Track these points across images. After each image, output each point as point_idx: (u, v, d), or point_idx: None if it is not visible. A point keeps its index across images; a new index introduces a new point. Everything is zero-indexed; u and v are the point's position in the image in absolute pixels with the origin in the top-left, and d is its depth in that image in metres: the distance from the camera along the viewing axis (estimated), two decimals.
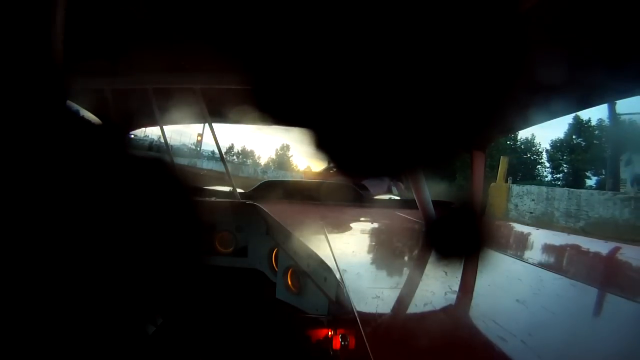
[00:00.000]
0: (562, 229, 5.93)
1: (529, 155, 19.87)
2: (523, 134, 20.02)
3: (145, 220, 0.33)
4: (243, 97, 1.20)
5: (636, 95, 0.93)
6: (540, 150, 20.01)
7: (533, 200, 7.18)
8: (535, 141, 20.01)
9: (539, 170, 19.88)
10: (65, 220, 0.29)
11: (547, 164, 19.59)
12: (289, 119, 0.41)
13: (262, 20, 0.37)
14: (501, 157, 7.78)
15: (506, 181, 7.79)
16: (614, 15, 0.65)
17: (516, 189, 7.60)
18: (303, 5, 0.33)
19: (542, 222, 6.56)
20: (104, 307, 0.30)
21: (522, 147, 19.82)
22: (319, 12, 0.33)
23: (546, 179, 19.00)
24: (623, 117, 11.61)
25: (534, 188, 7.51)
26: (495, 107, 0.38)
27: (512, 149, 18.63)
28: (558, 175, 19.03)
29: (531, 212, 7.11)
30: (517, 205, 7.32)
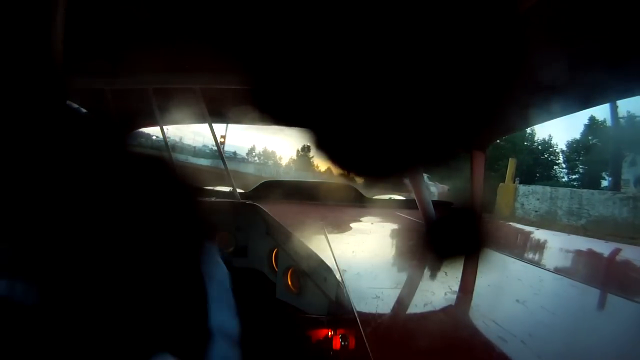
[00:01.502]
0: (565, 227, 6.08)
1: (546, 155, 19.55)
2: (540, 135, 19.65)
3: (144, 220, 0.33)
4: (244, 97, 1.19)
5: (637, 95, 0.92)
6: (557, 150, 19.70)
7: (538, 199, 7.34)
8: (552, 142, 19.73)
9: (555, 171, 19.61)
10: (65, 219, 0.29)
11: (564, 165, 19.37)
12: (288, 119, 0.41)
13: (262, 20, 0.37)
14: (510, 158, 7.99)
15: (514, 182, 7.95)
16: (614, 15, 0.65)
17: (522, 188, 7.81)
18: (305, 4, 0.33)
19: (546, 219, 6.69)
20: (103, 303, 0.30)
21: (539, 147, 19.55)
22: (321, 12, 0.33)
23: (563, 179, 18.75)
24: (637, 118, 11.60)
25: (538, 188, 7.68)
26: (495, 107, 0.38)
27: (529, 149, 18.41)
28: (574, 176, 18.78)
29: (536, 211, 7.27)
30: (523, 204, 7.51)
